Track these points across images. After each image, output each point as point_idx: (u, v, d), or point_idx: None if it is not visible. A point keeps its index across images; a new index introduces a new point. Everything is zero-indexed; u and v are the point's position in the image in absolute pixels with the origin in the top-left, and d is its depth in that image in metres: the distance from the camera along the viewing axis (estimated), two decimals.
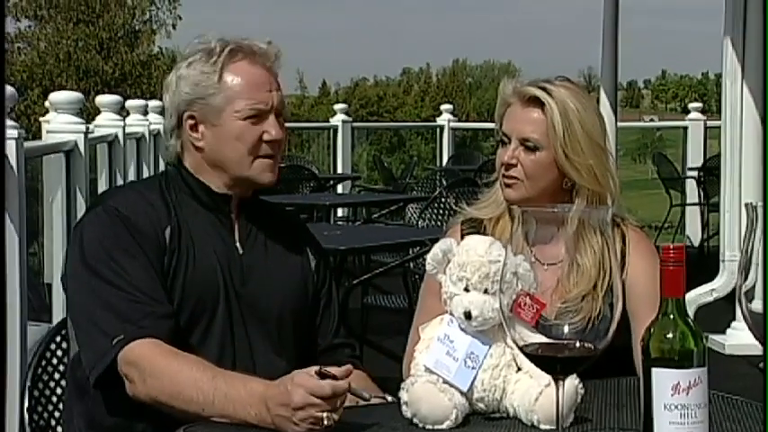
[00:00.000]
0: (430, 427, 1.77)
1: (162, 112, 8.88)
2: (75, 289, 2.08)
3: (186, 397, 1.91)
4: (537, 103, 2.29)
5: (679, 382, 1.52)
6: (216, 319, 2.10)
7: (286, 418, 1.79)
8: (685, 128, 11.19)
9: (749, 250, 1.54)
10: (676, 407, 1.52)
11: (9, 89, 3.77)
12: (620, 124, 8.09)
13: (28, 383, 2.21)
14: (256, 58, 2.16)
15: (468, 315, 1.80)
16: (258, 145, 2.14)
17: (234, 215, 2.18)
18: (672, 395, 1.52)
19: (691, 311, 1.54)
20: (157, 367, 1.95)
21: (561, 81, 2.33)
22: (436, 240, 1.92)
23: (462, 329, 1.82)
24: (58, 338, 2.27)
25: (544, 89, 2.29)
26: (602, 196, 2.29)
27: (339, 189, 10.17)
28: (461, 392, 1.80)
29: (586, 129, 2.28)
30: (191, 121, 2.15)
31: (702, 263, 7.13)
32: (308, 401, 1.77)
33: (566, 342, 1.53)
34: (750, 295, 1.56)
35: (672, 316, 1.53)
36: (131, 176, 6.80)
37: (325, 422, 1.75)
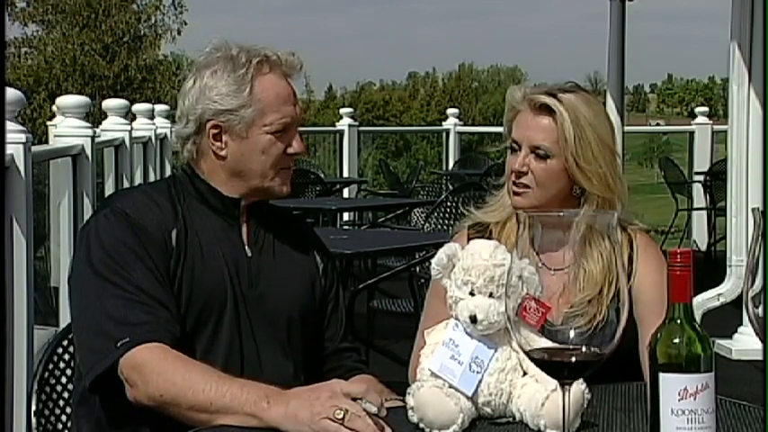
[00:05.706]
0: (436, 431, 1.77)
1: (168, 116, 8.95)
2: (80, 291, 2.07)
3: (196, 390, 1.87)
4: (547, 110, 2.28)
5: (686, 387, 1.52)
6: (223, 321, 2.10)
7: (305, 400, 1.76)
8: (692, 132, 11.17)
9: (756, 255, 1.54)
10: (683, 412, 1.52)
11: (17, 93, 3.78)
12: (626, 129, 8.08)
13: (35, 387, 2.22)
14: (282, 70, 2.16)
15: (473, 319, 1.80)
16: (282, 158, 2.16)
17: (243, 218, 2.19)
18: (679, 400, 1.52)
19: (698, 316, 1.53)
20: (165, 367, 1.93)
21: (570, 87, 2.32)
22: (441, 245, 1.92)
23: (468, 333, 1.82)
24: (65, 342, 2.27)
25: (554, 96, 2.27)
26: (611, 202, 2.28)
27: (345, 193, 10.16)
28: (467, 397, 1.79)
29: (598, 136, 2.27)
30: (214, 131, 2.14)
31: (709, 267, 7.12)
32: (336, 393, 1.76)
33: (572, 347, 1.53)
34: (757, 300, 1.56)
35: (679, 321, 1.53)
36: (138, 180, 6.81)
37: (341, 414, 1.72)
